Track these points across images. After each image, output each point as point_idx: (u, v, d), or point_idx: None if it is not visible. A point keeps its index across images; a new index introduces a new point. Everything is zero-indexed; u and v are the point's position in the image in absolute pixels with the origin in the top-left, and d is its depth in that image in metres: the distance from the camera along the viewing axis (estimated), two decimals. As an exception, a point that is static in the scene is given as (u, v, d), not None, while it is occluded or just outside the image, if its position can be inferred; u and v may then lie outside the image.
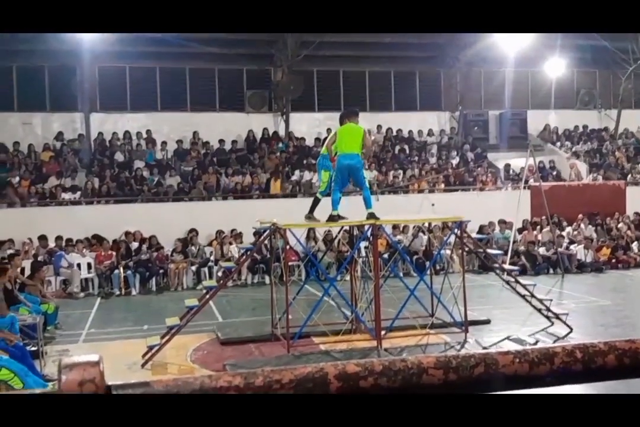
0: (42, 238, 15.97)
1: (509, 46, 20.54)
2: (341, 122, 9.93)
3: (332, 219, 9.74)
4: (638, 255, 17.98)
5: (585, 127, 24.88)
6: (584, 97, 25.41)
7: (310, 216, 10.00)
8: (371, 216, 9.59)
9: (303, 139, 21.87)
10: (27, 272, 12.57)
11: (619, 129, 24.64)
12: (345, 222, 10.11)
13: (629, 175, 21.70)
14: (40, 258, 15.08)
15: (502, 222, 18.16)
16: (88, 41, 18.17)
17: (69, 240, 16.00)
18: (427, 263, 13.24)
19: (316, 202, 10.08)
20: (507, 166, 21.80)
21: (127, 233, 16.47)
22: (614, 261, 17.60)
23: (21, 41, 18.88)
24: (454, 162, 21.85)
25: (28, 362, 7.73)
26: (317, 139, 21.82)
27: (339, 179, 9.70)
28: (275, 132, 21.95)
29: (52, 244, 16.02)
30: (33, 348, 8.86)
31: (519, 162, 20.94)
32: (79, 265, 15.50)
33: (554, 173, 21.98)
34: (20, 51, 19.61)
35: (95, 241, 16.33)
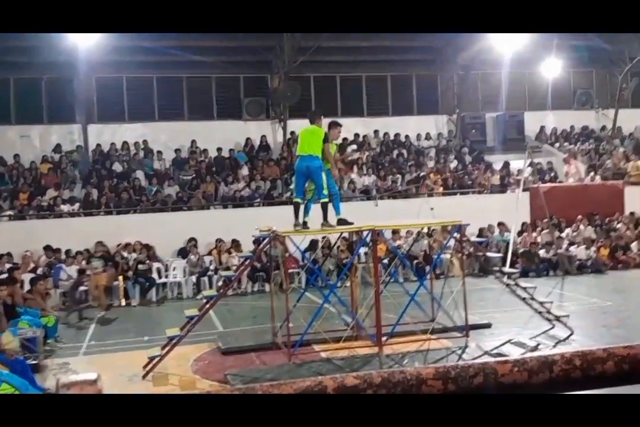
0: (47, 249, 15.93)
1: (505, 48, 20.56)
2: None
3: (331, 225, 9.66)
4: (637, 255, 17.94)
5: (583, 128, 24.91)
6: (581, 97, 25.46)
7: (296, 223, 9.77)
8: (304, 224, 9.55)
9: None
10: (27, 285, 12.54)
11: (616, 128, 24.67)
12: (342, 228, 10.05)
13: (627, 175, 21.67)
14: (39, 271, 15.03)
15: (501, 224, 18.16)
16: (84, 52, 18.17)
17: (67, 251, 15.98)
18: (427, 268, 13.23)
19: (296, 208, 9.80)
20: (506, 164, 21.68)
21: (126, 244, 16.44)
22: (613, 261, 17.57)
23: (18, 53, 18.92)
24: (452, 165, 21.86)
25: (28, 376, 7.70)
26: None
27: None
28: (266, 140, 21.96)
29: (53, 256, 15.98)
30: (33, 362, 8.83)
31: (517, 164, 20.97)
32: (78, 277, 15.43)
33: (552, 174, 21.98)
34: (17, 63, 19.63)
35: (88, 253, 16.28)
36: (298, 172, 9.57)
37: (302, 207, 9.75)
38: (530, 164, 21.17)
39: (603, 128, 24.96)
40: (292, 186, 18.09)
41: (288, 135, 21.76)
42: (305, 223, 9.63)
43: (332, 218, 9.83)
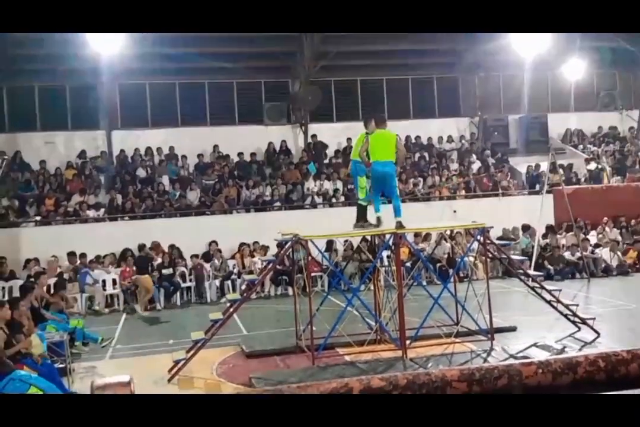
0: (71, 254, 16.12)
1: (527, 50, 20.41)
2: (367, 126, 9.92)
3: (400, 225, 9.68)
4: (664, 257, 17.70)
5: (609, 128, 24.65)
6: (605, 98, 25.22)
7: (362, 224, 9.99)
8: (399, 224, 9.58)
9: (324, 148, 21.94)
10: (52, 290, 12.69)
11: (640, 129, 24.42)
12: (365, 231, 10.10)
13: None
14: (65, 276, 15.20)
15: (525, 227, 18.03)
16: (107, 59, 18.37)
17: (97, 256, 16.19)
18: (451, 271, 13.19)
19: (362, 209, 9.98)
20: (530, 168, 21.56)
21: (151, 248, 16.57)
22: (639, 264, 17.36)
23: (42, 61, 19.19)
24: (475, 168, 21.76)
25: (56, 380, 7.80)
26: (337, 151, 21.98)
27: (375, 187, 9.81)
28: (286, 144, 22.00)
29: (77, 261, 16.17)
30: (61, 365, 8.94)
31: (540, 166, 20.86)
32: (104, 281, 15.62)
33: (578, 176, 21.77)
34: (41, 71, 19.88)
35: (114, 258, 16.48)
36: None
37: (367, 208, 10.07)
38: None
39: (630, 129, 24.68)
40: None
41: (309, 140, 21.83)
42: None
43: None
